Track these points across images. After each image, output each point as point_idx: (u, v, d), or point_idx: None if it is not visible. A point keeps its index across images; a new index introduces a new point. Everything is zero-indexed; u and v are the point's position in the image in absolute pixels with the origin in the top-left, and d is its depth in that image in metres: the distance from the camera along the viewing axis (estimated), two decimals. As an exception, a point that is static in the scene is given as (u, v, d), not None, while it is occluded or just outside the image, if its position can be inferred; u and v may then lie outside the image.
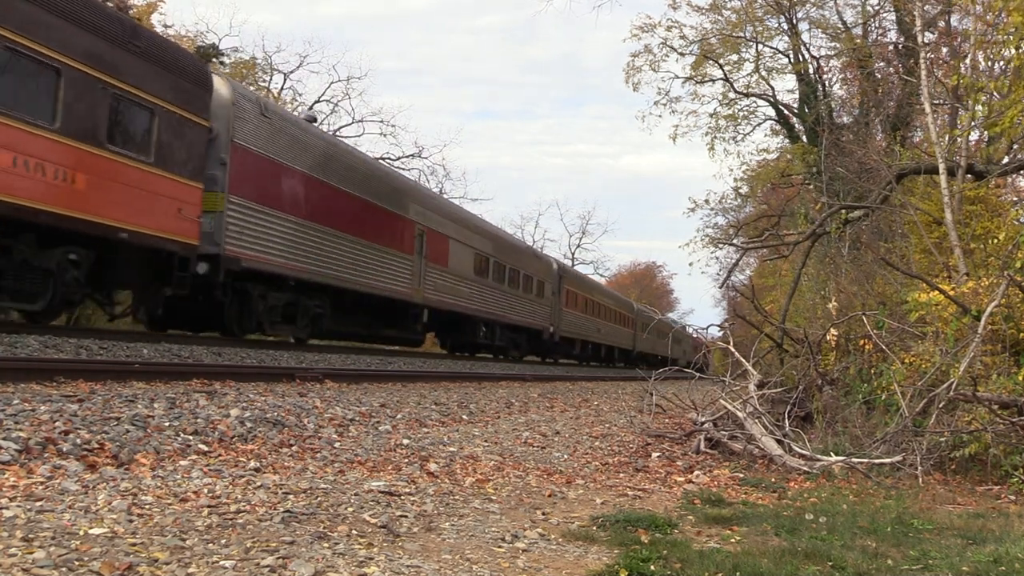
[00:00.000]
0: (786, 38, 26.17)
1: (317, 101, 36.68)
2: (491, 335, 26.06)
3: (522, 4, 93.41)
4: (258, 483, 4.48)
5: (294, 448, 5.80)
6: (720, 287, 50.31)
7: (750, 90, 27.68)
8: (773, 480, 6.98)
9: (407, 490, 4.88)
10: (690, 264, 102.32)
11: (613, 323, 42.73)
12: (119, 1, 22.77)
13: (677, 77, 28.52)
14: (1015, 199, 21.32)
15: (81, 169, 10.02)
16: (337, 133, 35.51)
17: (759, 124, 28.93)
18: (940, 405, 7.67)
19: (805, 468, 7.40)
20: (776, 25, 26.35)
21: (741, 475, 7.19)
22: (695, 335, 64.52)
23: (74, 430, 4.85)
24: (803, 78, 25.99)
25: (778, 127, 28.28)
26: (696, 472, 7.22)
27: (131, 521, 3.46)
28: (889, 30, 25.00)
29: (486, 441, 7.60)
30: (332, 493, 4.50)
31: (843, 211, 16.29)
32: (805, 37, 26.26)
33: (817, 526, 4.91)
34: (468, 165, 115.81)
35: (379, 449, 6.29)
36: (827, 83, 26.02)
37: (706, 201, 31.50)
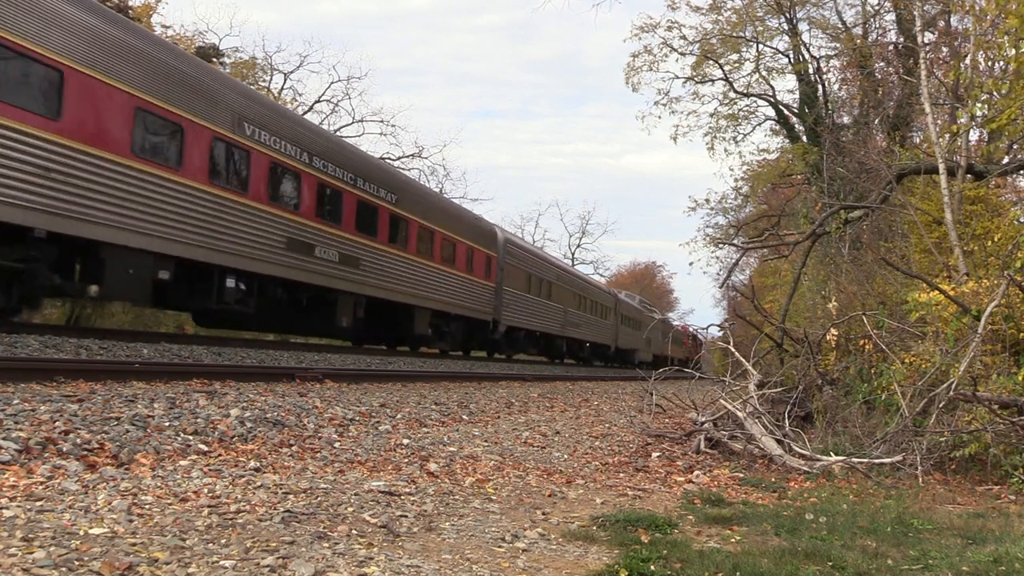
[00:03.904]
0: (786, 38, 26.20)
1: (317, 101, 36.66)
2: None
3: (521, 3, 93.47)
4: (258, 483, 4.48)
5: (294, 448, 5.80)
6: (720, 287, 46.58)
7: (750, 90, 27.71)
8: (773, 480, 6.98)
9: (407, 490, 4.88)
10: (690, 264, 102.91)
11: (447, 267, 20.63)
12: (120, 2, 22.76)
13: (677, 77, 28.57)
14: (1015, 199, 21.33)
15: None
16: (337, 132, 35.47)
17: (759, 124, 28.97)
18: (940, 405, 7.67)
19: (805, 468, 7.40)
20: (776, 25, 26.38)
21: (741, 475, 7.19)
22: (678, 325, 58.60)
23: (74, 430, 4.85)
24: (803, 78, 25.99)
25: (778, 127, 28.30)
26: (696, 472, 7.22)
27: (131, 521, 3.46)
28: (889, 30, 25.01)
29: (486, 441, 7.60)
30: (332, 493, 4.50)
31: (843, 211, 16.28)
32: (805, 37, 26.28)
33: (817, 526, 4.91)
34: (468, 165, 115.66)
35: (379, 449, 6.29)
36: (827, 83, 26.04)
37: (706, 200, 31.55)
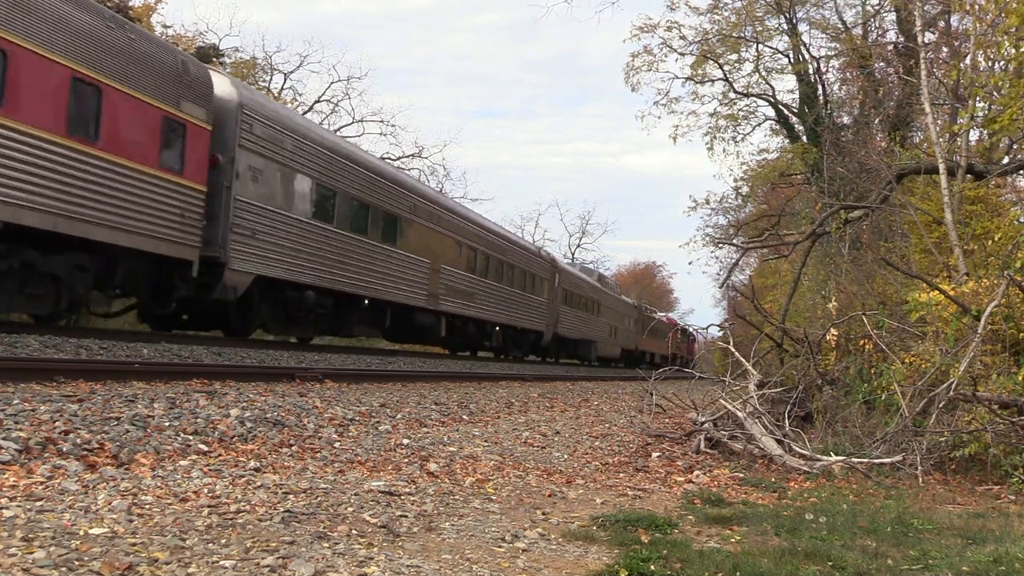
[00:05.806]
0: (786, 38, 26.20)
1: (317, 101, 36.65)
2: None
3: (523, 3, 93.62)
4: (258, 483, 4.48)
5: (294, 448, 5.80)
6: (720, 287, 45.54)
7: (750, 90, 27.71)
8: (773, 480, 6.98)
9: (407, 490, 4.88)
10: (690, 263, 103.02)
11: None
12: (120, 2, 22.77)
13: (677, 77, 28.53)
14: (1015, 199, 21.33)
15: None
16: (337, 132, 35.37)
17: (759, 124, 28.97)
18: (940, 405, 7.67)
19: (805, 468, 7.40)
20: (776, 25, 26.39)
21: (741, 475, 7.19)
22: (662, 316, 55.57)
23: (74, 430, 4.85)
24: (803, 78, 26.00)
25: (778, 127, 28.30)
26: (696, 472, 7.22)
27: (131, 521, 3.45)
28: (889, 30, 25.05)
29: (486, 441, 7.60)
30: (332, 493, 4.50)
31: (843, 211, 16.29)
32: (805, 37, 26.29)
33: (817, 526, 4.91)
34: (468, 165, 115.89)
35: (379, 449, 6.29)
36: (827, 83, 26.05)
37: (706, 201, 31.53)
